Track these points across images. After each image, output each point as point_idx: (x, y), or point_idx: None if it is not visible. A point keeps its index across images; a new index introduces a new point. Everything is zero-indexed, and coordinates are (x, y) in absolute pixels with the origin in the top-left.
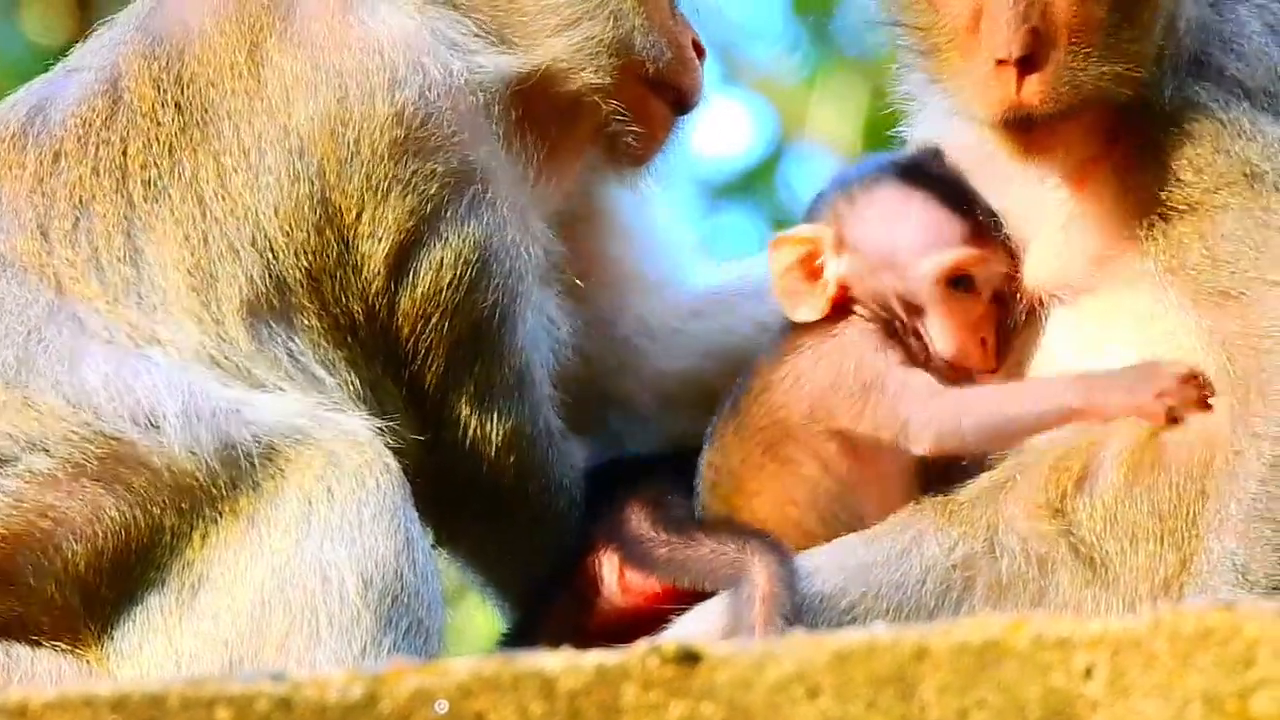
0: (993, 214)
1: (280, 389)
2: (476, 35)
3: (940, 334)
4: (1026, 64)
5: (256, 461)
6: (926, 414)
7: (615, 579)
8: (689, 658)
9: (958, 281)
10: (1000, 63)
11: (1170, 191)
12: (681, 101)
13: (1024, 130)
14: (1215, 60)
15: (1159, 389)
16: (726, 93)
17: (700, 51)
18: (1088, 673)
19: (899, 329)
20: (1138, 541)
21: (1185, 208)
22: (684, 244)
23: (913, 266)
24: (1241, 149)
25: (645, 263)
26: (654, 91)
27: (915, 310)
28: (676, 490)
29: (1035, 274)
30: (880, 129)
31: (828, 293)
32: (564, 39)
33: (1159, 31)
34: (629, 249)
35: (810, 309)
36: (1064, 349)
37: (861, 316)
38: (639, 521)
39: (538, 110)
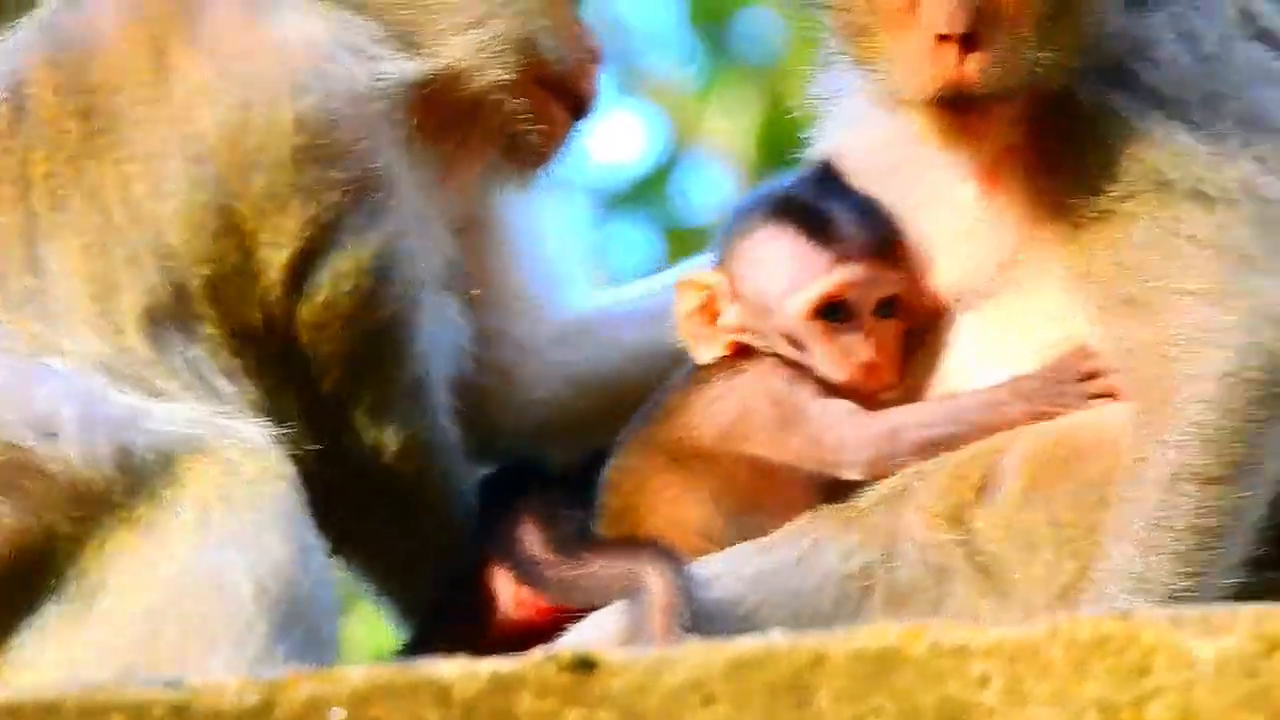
0: (877, 225)
1: (179, 397)
2: (381, 40)
3: (826, 366)
4: (968, 42)
5: (154, 469)
6: (859, 438)
7: (510, 594)
8: (585, 665)
9: (829, 311)
10: (942, 39)
11: (1082, 197)
12: (579, 107)
13: (955, 111)
14: (1129, 66)
15: (1082, 375)
16: (621, 101)
17: (598, 58)
18: (984, 681)
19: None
20: (1036, 550)
21: (1096, 214)
22: (569, 264)
23: (782, 308)
24: (1152, 158)
25: (529, 283)
26: (554, 94)
27: (801, 347)
28: (570, 502)
29: (944, 278)
30: (775, 138)
31: (725, 339)
32: (471, 37)
33: (1092, 27)
34: (515, 267)
35: (711, 352)
36: (968, 355)
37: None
38: (530, 540)
39: (441, 114)
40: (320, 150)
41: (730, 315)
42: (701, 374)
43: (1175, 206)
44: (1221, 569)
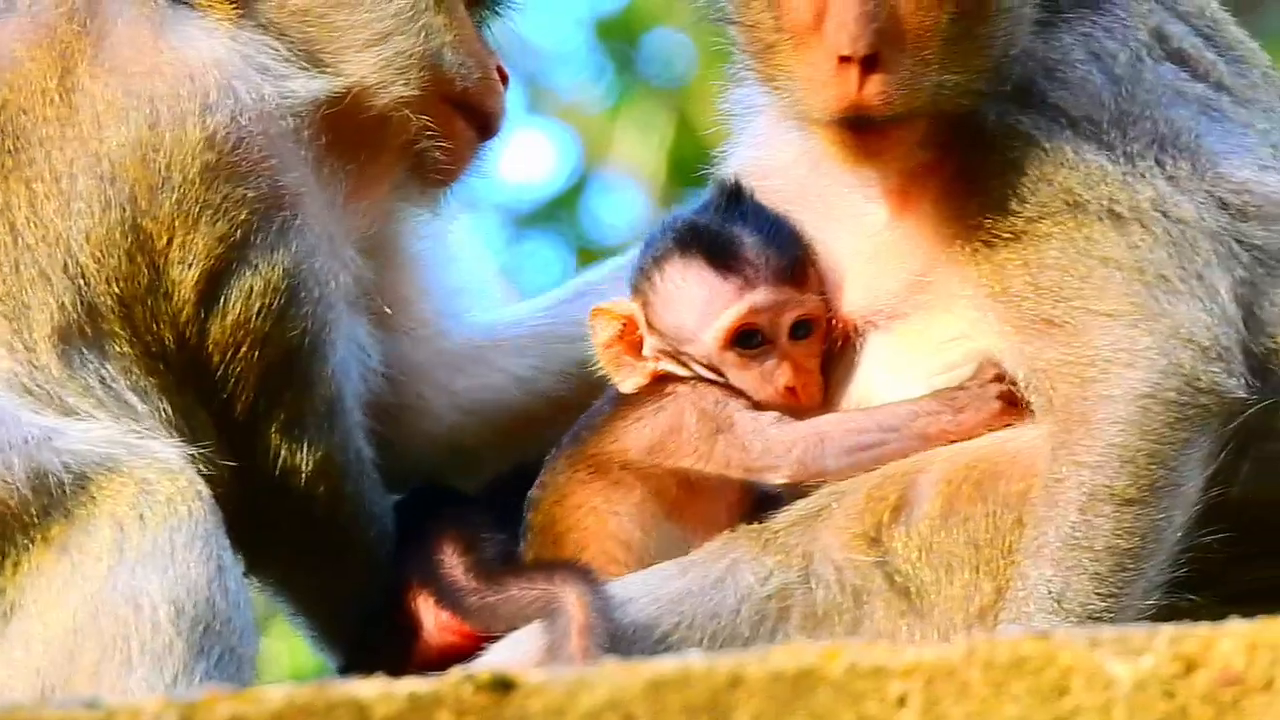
0: (785, 247)
1: (93, 416)
2: (287, 58)
3: (748, 391)
4: (869, 64)
5: (68, 489)
6: (787, 441)
7: (432, 619)
8: (502, 685)
9: (743, 339)
10: (843, 60)
11: (994, 218)
12: (485, 126)
13: (858, 132)
14: (1039, 87)
15: (998, 392)
16: (530, 121)
17: (504, 78)
18: (901, 701)
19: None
20: (953, 571)
21: (1009, 235)
22: (472, 287)
23: (699, 340)
24: (1064, 178)
25: (431, 307)
26: (459, 112)
27: (722, 375)
28: (489, 524)
29: (853, 298)
30: (684, 157)
31: (648, 368)
32: (375, 53)
33: (998, 50)
34: (418, 291)
35: (634, 382)
36: (879, 375)
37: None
38: (451, 566)
39: (347, 131)
40: (229, 168)
41: (650, 345)
42: (629, 397)
43: (1089, 227)
44: (1140, 590)
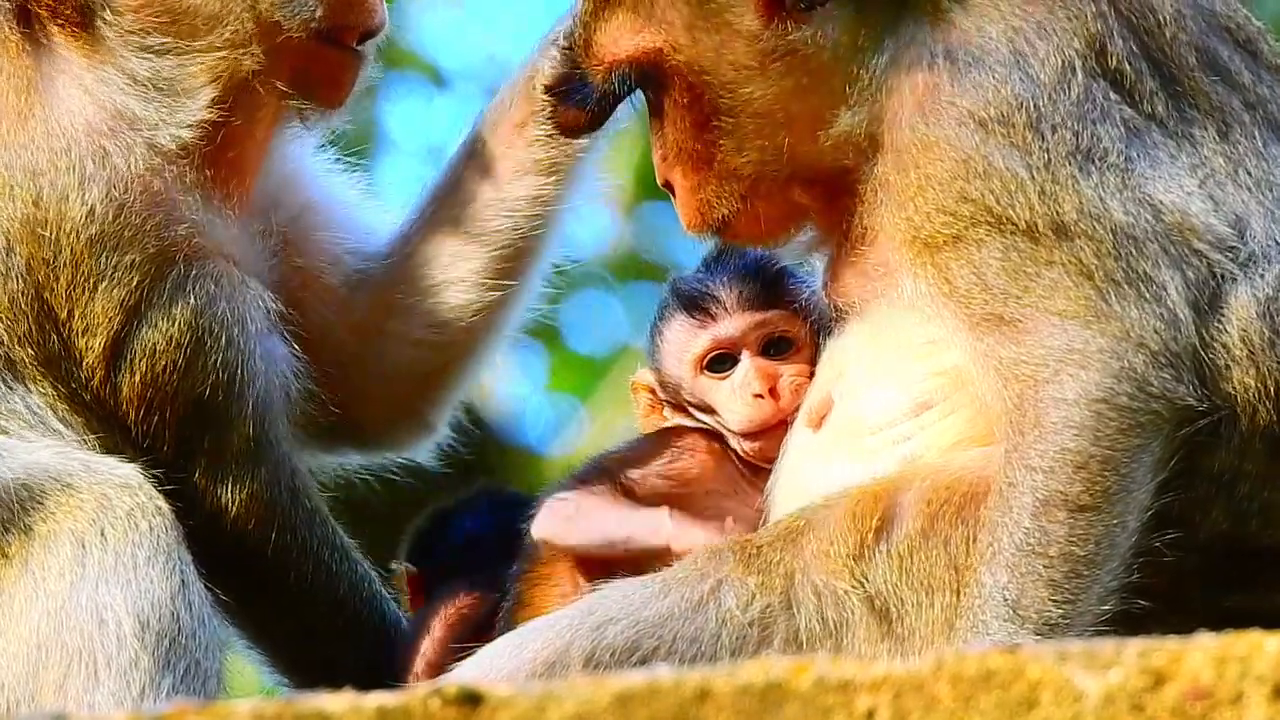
0: (750, 280)
1: (25, 438)
2: (150, 95)
3: (727, 416)
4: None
5: (27, 505)
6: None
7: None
8: (470, 699)
9: (713, 364)
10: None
11: (925, 227)
12: (363, 35)
13: (722, 236)
14: (947, 91)
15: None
16: None
17: None
18: (870, 715)
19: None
20: (934, 593)
21: (946, 239)
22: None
23: (680, 379)
24: (980, 195)
25: (338, 225)
26: (323, 43)
27: (709, 409)
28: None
29: (831, 295)
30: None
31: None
32: (213, 46)
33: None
34: (324, 218)
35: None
36: (849, 370)
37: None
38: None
39: (222, 134)
40: (114, 237)
41: (668, 408)
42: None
43: (1025, 238)
44: (1096, 597)
